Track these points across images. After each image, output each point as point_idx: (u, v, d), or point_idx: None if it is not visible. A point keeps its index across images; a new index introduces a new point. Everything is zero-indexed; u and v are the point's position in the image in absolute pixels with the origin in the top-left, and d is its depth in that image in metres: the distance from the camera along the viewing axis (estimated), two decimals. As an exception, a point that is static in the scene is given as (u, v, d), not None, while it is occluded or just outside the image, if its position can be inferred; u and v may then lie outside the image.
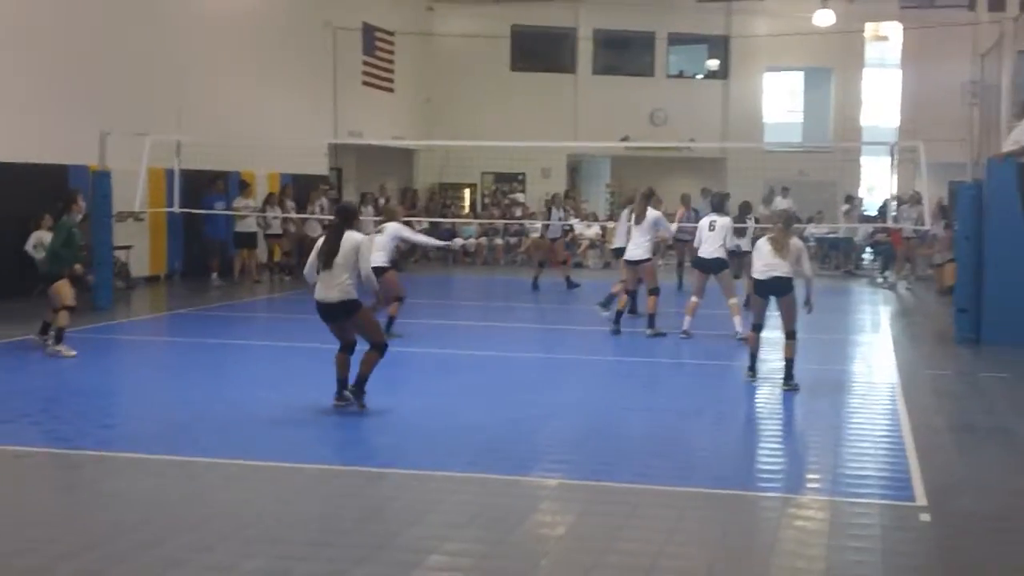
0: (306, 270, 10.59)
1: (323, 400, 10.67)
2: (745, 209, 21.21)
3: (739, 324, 14.91)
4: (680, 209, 22.70)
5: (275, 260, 24.23)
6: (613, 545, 6.65)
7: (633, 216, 15.71)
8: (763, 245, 11.89)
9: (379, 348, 10.33)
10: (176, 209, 20.39)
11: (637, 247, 15.53)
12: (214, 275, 22.19)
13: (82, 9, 20.26)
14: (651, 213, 15.65)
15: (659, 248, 19.42)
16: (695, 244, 15.67)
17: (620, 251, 16.36)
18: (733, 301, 15.41)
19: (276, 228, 24.10)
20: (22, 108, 18.71)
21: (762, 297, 11.91)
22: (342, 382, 10.40)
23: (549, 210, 23.64)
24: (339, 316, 10.25)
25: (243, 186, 23.58)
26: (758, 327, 12.10)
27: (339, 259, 10.12)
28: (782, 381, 11.64)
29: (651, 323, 15.42)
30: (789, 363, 11.65)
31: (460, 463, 8.51)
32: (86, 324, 15.61)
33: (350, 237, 10.24)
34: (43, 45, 19.28)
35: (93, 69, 20.27)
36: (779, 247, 11.68)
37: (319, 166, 28.20)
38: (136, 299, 19.81)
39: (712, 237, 15.28)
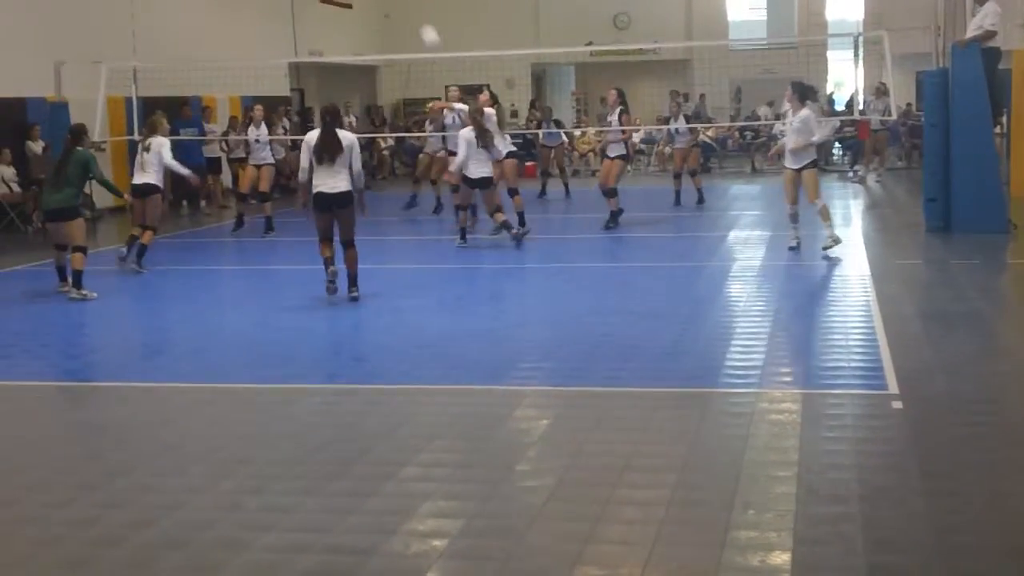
0: (301, 175, 11.34)
1: (292, 320, 10.65)
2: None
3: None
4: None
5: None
6: (586, 447, 6.64)
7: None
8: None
9: (353, 243, 11.22)
10: (136, 137, 20.08)
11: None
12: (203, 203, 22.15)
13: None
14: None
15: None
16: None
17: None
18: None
19: (240, 152, 23.79)
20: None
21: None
22: (330, 261, 11.17)
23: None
24: (341, 205, 11.09)
25: (205, 111, 23.26)
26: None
27: (340, 154, 11.05)
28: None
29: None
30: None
31: (431, 376, 8.48)
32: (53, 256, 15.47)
33: (344, 135, 11.24)
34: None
35: (44, -2, 19.88)
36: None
37: (280, 87, 27.82)
38: (102, 230, 19.59)
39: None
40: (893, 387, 7.65)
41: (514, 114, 32.00)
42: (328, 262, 11.23)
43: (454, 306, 11.56)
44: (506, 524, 5.48)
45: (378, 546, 5.23)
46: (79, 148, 12.60)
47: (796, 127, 13.57)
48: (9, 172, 18.72)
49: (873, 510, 5.44)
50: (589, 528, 5.35)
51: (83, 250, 12.30)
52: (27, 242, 17.57)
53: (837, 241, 13.51)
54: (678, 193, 20.29)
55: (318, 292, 11.28)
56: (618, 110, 17.56)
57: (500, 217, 15.06)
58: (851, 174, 25.37)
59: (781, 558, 4.96)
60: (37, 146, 19.27)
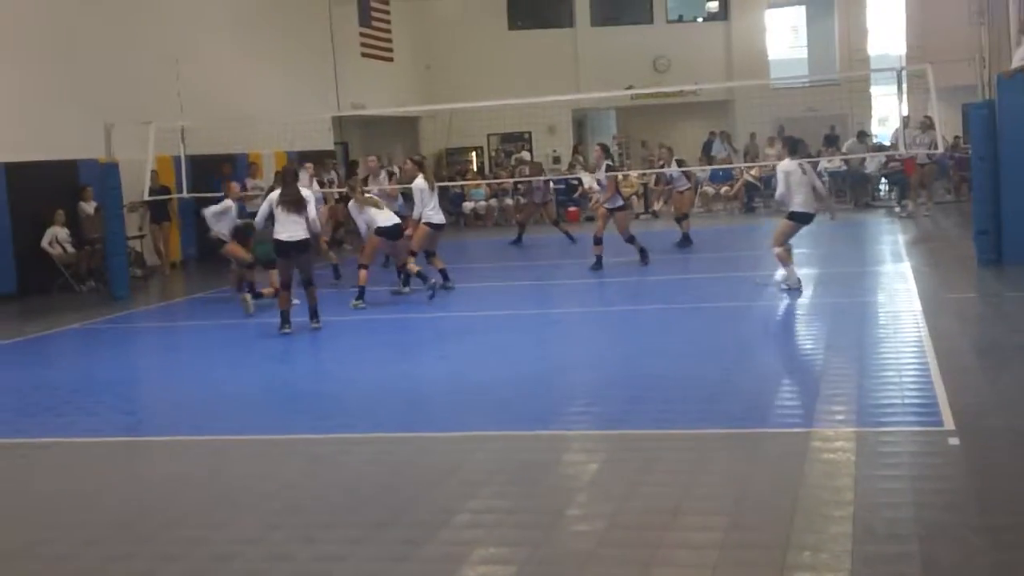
0: (258, 219, 13.49)
1: (340, 371, 10.70)
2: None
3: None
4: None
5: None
6: (637, 491, 6.59)
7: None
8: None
9: (313, 282, 12.99)
10: (185, 195, 20.31)
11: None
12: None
13: (74, 3, 20.18)
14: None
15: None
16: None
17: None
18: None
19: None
20: (27, 108, 18.78)
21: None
22: (287, 314, 12.81)
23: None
24: (298, 252, 12.77)
25: (251, 167, 23.48)
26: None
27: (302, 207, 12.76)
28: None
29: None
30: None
31: (479, 422, 8.46)
32: (106, 315, 15.66)
33: (302, 190, 13.02)
34: (40, 43, 19.33)
35: (93, 62, 20.21)
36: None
37: (324, 141, 28.08)
38: (153, 287, 19.81)
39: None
40: (949, 423, 7.54)
41: (556, 160, 32.11)
42: (285, 314, 12.83)
43: (498, 352, 11.55)
44: (558, 570, 5.45)
45: (431, 595, 5.21)
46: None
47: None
48: (63, 233, 18.99)
49: (932, 548, 5.35)
50: (641, 572, 5.30)
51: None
52: (81, 301, 17.75)
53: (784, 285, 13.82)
54: (685, 235, 20.39)
55: (363, 342, 11.32)
56: (604, 165, 17.90)
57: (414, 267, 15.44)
58: (898, 209, 25.20)
59: (838, 598, 4.89)
60: (89, 207, 19.54)
